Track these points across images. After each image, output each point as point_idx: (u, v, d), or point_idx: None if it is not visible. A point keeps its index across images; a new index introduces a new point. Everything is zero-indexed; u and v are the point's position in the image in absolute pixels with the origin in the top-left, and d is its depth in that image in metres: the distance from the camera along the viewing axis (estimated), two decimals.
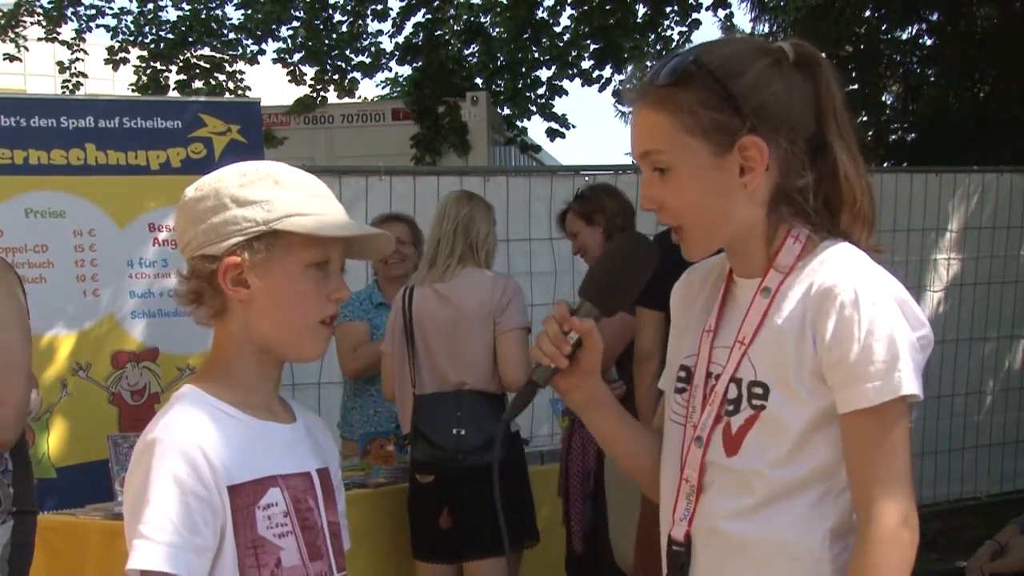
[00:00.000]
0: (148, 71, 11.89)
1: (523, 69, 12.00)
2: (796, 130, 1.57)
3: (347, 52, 11.94)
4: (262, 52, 12.22)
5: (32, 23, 11.66)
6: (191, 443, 1.53)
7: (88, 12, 11.76)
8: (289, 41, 12.01)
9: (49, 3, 11.50)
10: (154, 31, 12.02)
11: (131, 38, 12.03)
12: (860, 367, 1.49)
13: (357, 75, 12.13)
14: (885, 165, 9.88)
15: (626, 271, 1.67)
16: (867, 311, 1.50)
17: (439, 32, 12.05)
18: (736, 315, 1.63)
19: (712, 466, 1.60)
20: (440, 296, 3.90)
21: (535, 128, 39.96)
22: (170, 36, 11.90)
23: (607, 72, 11.77)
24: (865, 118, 10.49)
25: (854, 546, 1.53)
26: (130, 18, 12.04)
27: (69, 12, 11.59)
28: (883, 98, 10.88)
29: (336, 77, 11.97)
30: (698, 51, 1.60)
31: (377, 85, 14.42)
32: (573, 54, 11.69)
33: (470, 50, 12.42)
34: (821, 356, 1.52)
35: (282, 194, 1.61)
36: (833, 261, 1.56)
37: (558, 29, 11.57)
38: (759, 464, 1.55)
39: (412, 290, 3.96)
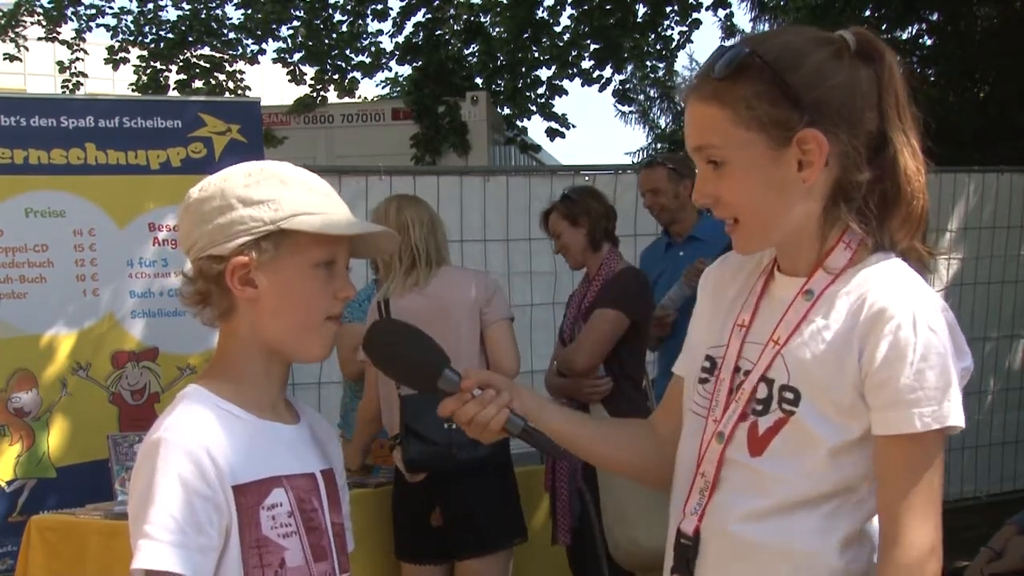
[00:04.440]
0: (148, 71, 11.89)
1: (523, 69, 11.99)
2: (857, 123, 1.53)
3: (347, 52, 11.94)
4: (262, 52, 12.22)
5: (32, 23, 11.66)
6: (196, 443, 1.53)
7: (88, 12, 11.77)
8: (289, 41, 12.01)
9: (49, 3, 11.49)
10: (154, 31, 12.02)
11: (131, 38, 12.03)
12: (909, 391, 1.46)
13: (357, 75, 12.13)
14: None
15: (398, 353, 1.71)
16: (924, 335, 1.46)
17: (439, 32, 12.05)
18: (773, 313, 1.59)
19: (732, 463, 1.58)
20: (426, 296, 3.91)
21: (535, 128, 39.97)
22: (170, 36, 11.90)
23: (607, 72, 11.78)
24: None
25: (878, 570, 1.50)
26: (130, 18, 12.05)
27: (69, 12, 11.59)
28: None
29: (336, 77, 11.97)
30: (754, 42, 1.56)
31: (377, 85, 14.47)
32: (573, 54, 11.68)
33: (470, 50, 12.42)
34: (866, 374, 1.48)
35: (289, 193, 1.61)
36: (886, 277, 1.52)
37: (558, 29, 11.57)
38: (784, 470, 1.53)
39: (387, 301, 3.93)
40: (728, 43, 1.60)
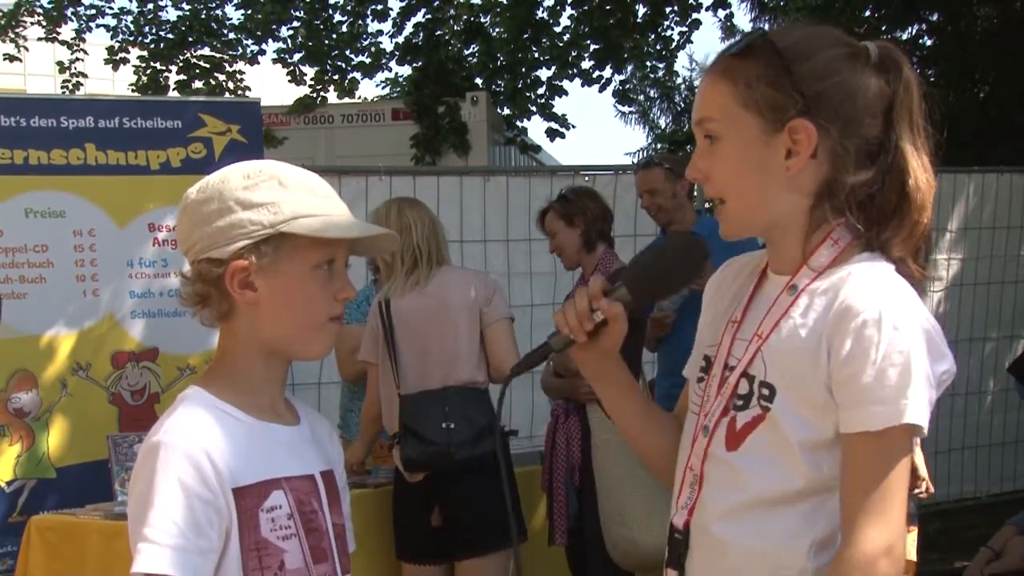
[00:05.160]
0: (148, 71, 11.90)
1: (523, 69, 12.00)
2: (854, 125, 1.54)
3: (347, 52, 11.95)
4: (262, 52, 12.23)
5: (32, 23, 11.67)
6: (195, 446, 1.52)
7: (88, 12, 11.78)
8: (289, 41, 12.02)
9: (49, 3, 11.50)
10: (154, 31, 12.03)
11: (131, 38, 12.04)
12: (870, 390, 1.46)
13: (357, 75, 12.14)
14: None
15: (672, 268, 1.66)
16: (888, 334, 1.46)
17: (439, 32, 12.05)
18: (761, 309, 1.61)
19: (713, 458, 1.59)
20: (425, 295, 3.94)
21: (535, 128, 39.99)
22: (170, 36, 11.91)
23: (607, 72, 11.79)
24: None
25: (828, 568, 1.49)
26: (130, 18, 12.06)
27: (69, 12, 11.60)
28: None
29: (336, 77, 11.98)
30: (776, 30, 1.60)
31: (377, 85, 14.49)
32: (573, 54, 11.69)
33: (470, 50, 12.43)
34: (833, 371, 1.49)
35: (287, 195, 1.60)
36: (862, 276, 1.52)
37: (558, 29, 11.58)
38: (759, 465, 1.54)
39: (388, 301, 3.96)
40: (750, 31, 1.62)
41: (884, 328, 1.46)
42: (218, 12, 12.00)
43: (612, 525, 4.00)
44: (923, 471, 3.82)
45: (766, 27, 11.60)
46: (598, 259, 4.36)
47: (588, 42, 11.48)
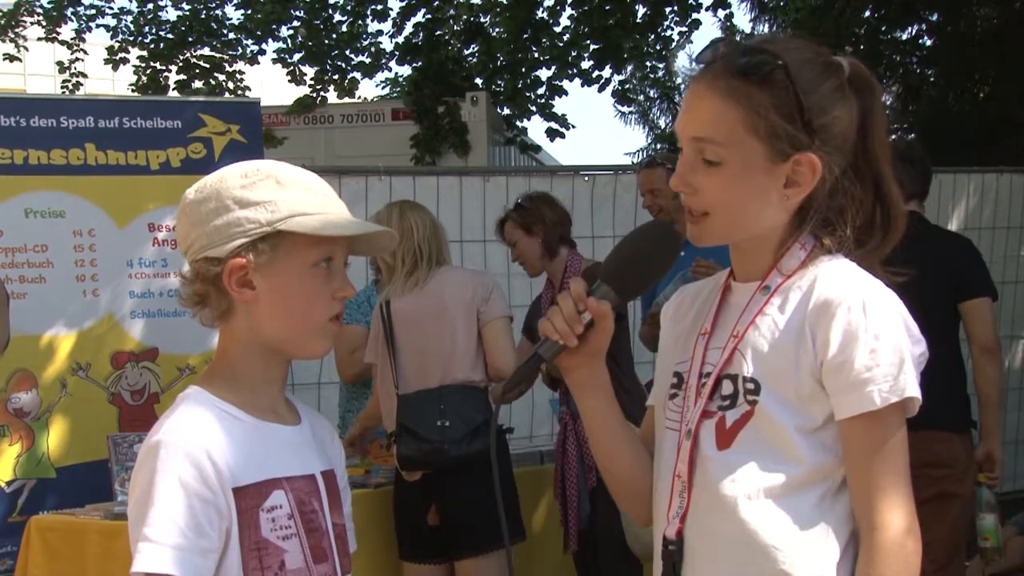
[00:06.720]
0: (148, 71, 11.90)
1: (523, 69, 12.00)
2: (844, 153, 1.57)
3: (347, 52, 11.95)
4: (262, 52, 12.23)
5: (32, 23, 11.67)
6: (196, 445, 1.53)
7: (88, 12, 11.78)
8: (289, 41, 12.03)
9: (49, 3, 11.50)
10: (154, 31, 12.03)
11: (131, 38, 12.05)
12: (865, 371, 1.49)
13: (357, 75, 12.14)
14: None
15: (648, 258, 1.65)
16: (874, 318, 1.50)
17: (439, 32, 12.05)
18: (733, 315, 1.62)
19: (704, 460, 1.59)
20: (423, 295, 3.96)
21: (535, 128, 40.00)
22: (170, 36, 11.92)
23: (607, 72, 11.78)
24: None
25: (859, 557, 1.51)
26: (130, 18, 12.06)
27: (69, 12, 11.60)
28: (883, 98, 10.90)
29: (336, 77, 11.98)
30: (778, 52, 1.57)
31: (377, 85, 14.47)
32: (573, 54, 11.69)
33: (470, 50, 12.42)
34: (822, 360, 1.51)
35: (285, 194, 1.60)
36: (835, 271, 1.56)
37: (558, 29, 11.57)
38: (753, 459, 1.54)
39: (388, 303, 3.99)
40: (744, 39, 1.61)
41: (869, 312, 1.50)
42: (218, 12, 12.00)
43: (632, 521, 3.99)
44: (998, 458, 3.94)
45: (765, 28, 11.60)
46: (564, 263, 4.37)
47: (588, 42, 11.47)
